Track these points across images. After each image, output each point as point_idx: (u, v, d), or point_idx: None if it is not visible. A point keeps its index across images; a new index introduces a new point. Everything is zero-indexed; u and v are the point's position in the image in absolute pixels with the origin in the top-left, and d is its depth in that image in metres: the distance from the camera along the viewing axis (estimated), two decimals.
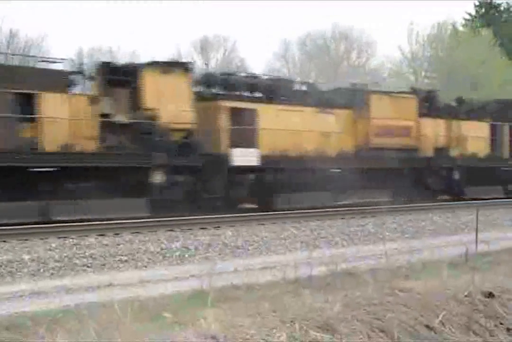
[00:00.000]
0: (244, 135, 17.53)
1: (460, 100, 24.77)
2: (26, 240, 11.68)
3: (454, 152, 23.11)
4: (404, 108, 21.18)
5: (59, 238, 12.01)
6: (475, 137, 23.48)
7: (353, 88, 21.44)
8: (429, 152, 22.27)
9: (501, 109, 24.82)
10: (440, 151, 22.66)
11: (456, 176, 22.52)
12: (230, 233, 13.30)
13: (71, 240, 11.90)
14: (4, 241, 11.45)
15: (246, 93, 18.72)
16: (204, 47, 47.03)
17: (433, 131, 22.44)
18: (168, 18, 59.86)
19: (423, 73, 47.64)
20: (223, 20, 63.01)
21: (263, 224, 14.75)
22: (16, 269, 9.40)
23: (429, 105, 22.77)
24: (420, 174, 21.50)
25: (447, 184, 22.56)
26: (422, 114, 22.03)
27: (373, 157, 20.04)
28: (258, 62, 58.33)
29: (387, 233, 13.34)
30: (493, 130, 24.54)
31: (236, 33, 56.71)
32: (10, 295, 7.75)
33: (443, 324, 6.11)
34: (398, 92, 22.82)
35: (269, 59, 48.98)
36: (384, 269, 8.01)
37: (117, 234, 12.73)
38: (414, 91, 23.17)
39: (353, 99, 20.17)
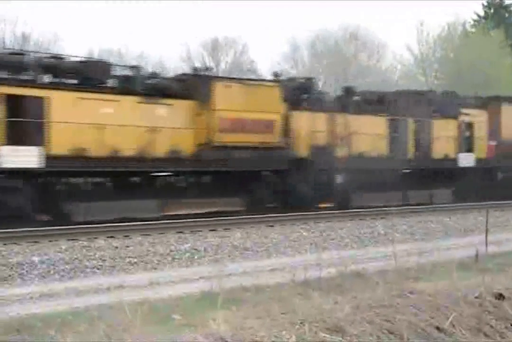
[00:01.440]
0: (26, 130, 14.03)
1: (349, 91, 20.82)
2: (36, 242, 11.74)
3: (339, 152, 19.22)
4: (263, 98, 17.17)
5: (69, 240, 12.06)
6: (368, 134, 19.63)
7: (194, 74, 17.52)
8: (304, 152, 18.46)
9: (404, 101, 21.13)
10: (320, 150, 18.73)
11: (339, 180, 18.81)
12: (239, 235, 13.31)
13: (81, 242, 11.95)
14: (15, 243, 11.51)
15: (37, 78, 14.55)
16: (214, 49, 47.09)
17: (310, 127, 18.56)
18: (177, 19, 59.80)
19: (433, 74, 47.51)
20: (233, 21, 63.03)
21: (272, 226, 14.75)
22: (27, 271, 9.45)
23: (306, 95, 19.06)
24: (289, 178, 17.78)
25: (327, 190, 18.53)
26: (294, 107, 18.33)
27: (218, 158, 16.39)
28: (268, 63, 58.07)
29: (396, 235, 13.30)
30: (393, 126, 20.64)
31: (246, 35, 56.69)
32: (20, 297, 7.79)
33: (453, 325, 6.08)
34: (256, 80, 19.62)
35: (278, 60, 48.89)
36: (394, 270, 7.99)
37: (127, 236, 12.77)
38: (279, 78, 18.72)
39: (195, 87, 16.44)
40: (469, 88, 29.44)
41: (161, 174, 16.36)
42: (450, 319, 6.10)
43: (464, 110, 22.36)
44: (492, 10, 50.57)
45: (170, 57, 57.12)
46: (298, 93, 18.87)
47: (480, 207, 18.24)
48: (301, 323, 5.44)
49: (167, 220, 14.68)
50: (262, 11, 58.60)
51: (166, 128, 15.73)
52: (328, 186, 18.58)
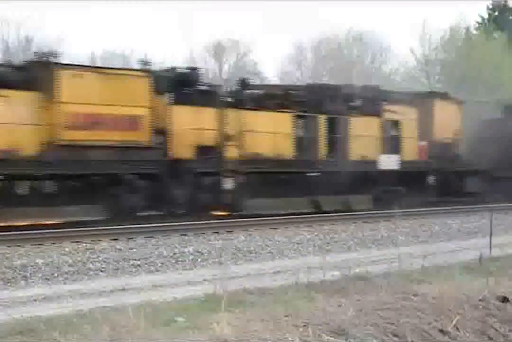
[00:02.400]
0: None
1: (245, 84, 18.25)
2: (40, 244, 11.74)
3: (231, 153, 16.67)
4: (126, 90, 14.80)
5: (73, 242, 12.06)
6: (268, 132, 17.26)
7: (37, 61, 14.66)
8: (186, 153, 15.88)
9: (314, 96, 18.81)
10: (207, 151, 16.26)
11: (229, 184, 16.38)
12: (242, 238, 13.31)
13: (84, 244, 11.94)
14: (19, 246, 11.51)
15: None
16: (218, 51, 47.13)
17: (194, 124, 15.97)
18: (181, 21, 59.84)
19: (436, 77, 47.48)
20: (237, 23, 62.92)
21: (275, 228, 14.74)
22: (30, 274, 9.45)
23: (190, 88, 16.39)
24: (162, 183, 15.36)
25: (214, 195, 16.14)
26: (175, 101, 15.83)
27: (65, 159, 14.01)
28: (272, 66, 57.98)
29: (400, 237, 13.28)
30: (301, 123, 18.28)
31: (250, 37, 56.57)
32: (24, 299, 7.79)
33: (457, 328, 6.07)
34: (117, 69, 16.58)
35: (283, 62, 48.91)
36: (397, 273, 7.98)
37: (131, 238, 12.77)
38: (148, 67, 15.80)
39: (38, 77, 14.03)
40: (472, 92, 29.40)
41: None
42: (454, 322, 6.09)
43: (390, 107, 19.80)
44: (496, 13, 50.53)
45: (174, 60, 57.17)
46: (179, 85, 15.99)
47: (484, 209, 18.19)
48: (304, 325, 5.44)
49: (170, 223, 14.66)
50: (267, 13, 58.70)
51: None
52: (215, 191, 16.09)
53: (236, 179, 16.45)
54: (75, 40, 60.47)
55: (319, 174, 18.21)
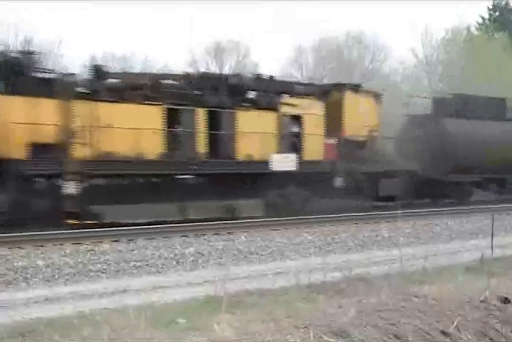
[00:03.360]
0: None
1: (102, 73, 15.11)
2: (41, 246, 11.75)
3: (78, 152, 14.03)
4: None
5: (74, 244, 12.07)
6: (130, 128, 14.50)
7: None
8: (16, 152, 13.45)
9: (191, 87, 16.16)
10: (47, 150, 13.80)
11: (71, 189, 13.83)
12: (243, 238, 13.31)
13: (85, 245, 11.95)
14: (19, 247, 11.53)
15: None
16: (218, 53, 47.19)
17: (25, 118, 13.44)
18: (181, 23, 59.87)
19: (437, 77, 47.50)
20: (236, 24, 63.04)
21: (276, 229, 14.74)
22: (31, 275, 9.46)
23: (22, 76, 13.81)
24: None
25: (53, 201, 13.76)
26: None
27: None
28: (273, 67, 58.13)
29: (401, 238, 13.28)
30: (174, 118, 15.45)
31: (250, 38, 56.67)
32: (25, 301, 7.80)
33: (458, 329, 6.07)
34: None
35: (283, 64, 48.95)
36: (398, 274, 7.98)
37: (131, 240, 12.77)
38: None
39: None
40: (475, 91, 29.16)
41: None
42: (455, 323, 6.09)
43: (290, 101, 17.19)
44: (497, 13, 50.53)
45: (176, 62, 57.25)
46: (9, 72, 13.66)
47: (486, 210, 18.17)
48: (305, 327, 5.43)
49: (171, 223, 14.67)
50: (266, 14, 58.73)
51: None
52: (53, 197, 13.75)
53: (81, 183, 13.90)
54: (74, 41, 60.32)
55: (192, 176, 16.00)
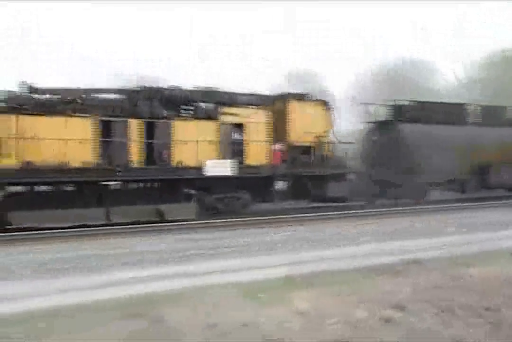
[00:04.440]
0: None
1: (32, 89, 13.97)
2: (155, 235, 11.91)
3: (4, 161, 13.00)
4: None
5: (175, 234, 12.24)
6: (54, 139, 13.33)
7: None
8: None
9: (126, 100, 14.95)
10: None
11: None
12: (302, 228, 13.18)
13: (185, 235, 12.13)
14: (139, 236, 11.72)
15: None
16: (294, 80, 46.60)
17: None
18: (259, 51, 58.92)
19: (476, 96, 45.82)
20: (309, 51, 61.34)
21: (327, 222, 14.27)
22: (147, 258, 9.63)
23: None
24: None
25: None
26: None
27: None
28: (338, 90, 56.29)
29: (449, 229, 12.79)
30: (104, 128, 14.15)
31: (319, 65, 55.23)
32: (139, 278, 7.94)
33: (500, 306, 5.78)
34: None
35: (346, 88, 48.21)
36: (447, 258, 7.69)
37: (219, 230, 12.83)
38: None
39: None
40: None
41: None
42: (498, 301, 5.80)
43: (231, 110, 15.94)
44: None
45: (259, 89, 56.30)
46: None
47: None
48: (368, 301, 5.31)
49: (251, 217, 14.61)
50: (334, 44, 57.25)
51: None
52: None
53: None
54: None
55: (118, 182, 14.53)
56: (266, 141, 16.12)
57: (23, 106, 13.34)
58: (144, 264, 8.69)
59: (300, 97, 17.42)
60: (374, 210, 16.66)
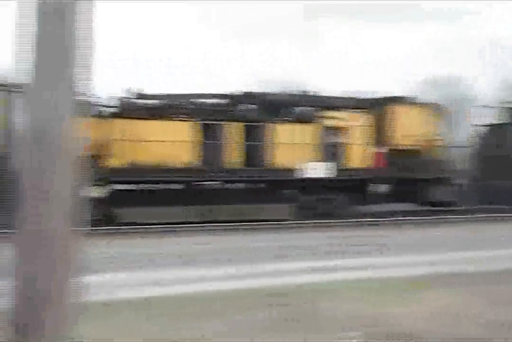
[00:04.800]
0: None
1: (140, 95, 14.72)
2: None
3: (107, 162, 13.69)
4: None
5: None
6: (159, 141, 13.92)
7: None
8: None
9: (224, 104, 15.53)
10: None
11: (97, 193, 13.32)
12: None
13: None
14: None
15: None
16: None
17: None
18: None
19: None
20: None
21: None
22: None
23: None
24: None
25: None
26: None
27: None
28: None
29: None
30: (205, 132, 14.70)
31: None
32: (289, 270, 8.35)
33: None
34: None
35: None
36: None
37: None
38: None
39: None
40: None
41: None
42: None
43: (330, 114, 15.92)
44: None
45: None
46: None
47: None
48: (497, 303, 5.69)
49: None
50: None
51: None
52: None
53: (106, 188, 13.67)
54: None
55: (218, 182, 15.04)
56: (366, 144, 16.07)
57: (132, 111, 14.17)
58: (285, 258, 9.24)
59: (405, 100, 17.22)
60: (487, 215, 16.04)
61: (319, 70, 43.76)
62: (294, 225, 13.92)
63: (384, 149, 16.28)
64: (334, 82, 38.98)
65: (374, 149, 16.16)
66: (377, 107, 16.50)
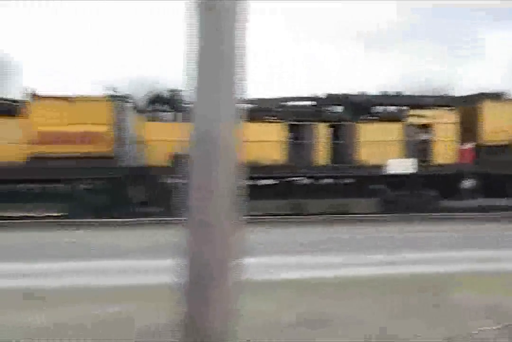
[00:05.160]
0: None
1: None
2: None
3: None
4: (87, 113, 15.04)
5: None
6: (255, 141, 14.76)
7: (11, 100, 15.89)
8: (161, 160, 14.91)
9: (314, 106, 16.58)
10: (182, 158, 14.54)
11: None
12: None
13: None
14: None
15: None
16: None
17: (171, 136, 14.25)
18: None
19: None
20: None
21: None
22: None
23: (166, 107, 15.94)
24: (119, 185, 15.13)
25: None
26: (153, 118, 15.81)
27: (39, 167, 14.72)
28: None
29: None
30: (295, 132, 16.06)
31: None
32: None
33: None
34: (79, 97, 15.64)
35: None
36: None
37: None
38: (110, 94, 15.67)
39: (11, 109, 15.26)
40: None
41: None
42: None
43: (416, 112, 16.49)
44: None
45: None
46: (154, 105, 16.04)
47: None
48: None
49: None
50: None
51: None
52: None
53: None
54: None
55: (309, 178, 16.04)
56: (452, 141, 16.46)
57: None
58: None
59: (496, 97, 17.22)
60: None
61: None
62: (381, 218, 14.52)
63: (471, 146, 16.53)
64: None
65: (461, 146, 16.51)
66: (466, 105, 16.76)
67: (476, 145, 16.52)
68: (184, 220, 3.00)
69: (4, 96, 16.17)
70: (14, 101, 15.72)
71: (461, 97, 17.18)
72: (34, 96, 15.39)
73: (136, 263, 8.29)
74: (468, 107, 16.68)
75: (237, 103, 2.99)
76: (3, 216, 14.32)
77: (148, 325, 4.33)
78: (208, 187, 3.01)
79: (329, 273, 7.27)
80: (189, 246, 3.03)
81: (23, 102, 15.34)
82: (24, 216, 14.42)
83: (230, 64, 2.83)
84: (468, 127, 16.52)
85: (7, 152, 14.85)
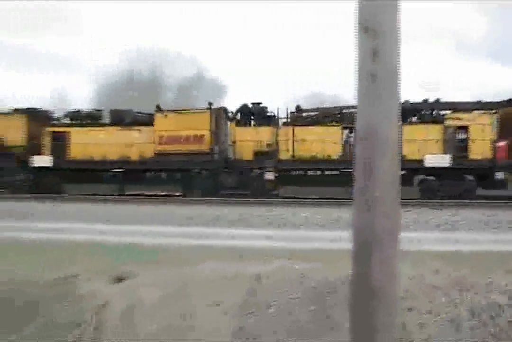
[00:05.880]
0: None
1: (299, 109, 20.95)
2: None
3: (282, 156, 19.95)
4: (194, 121, 20.09)
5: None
6: (317, 141, 19.55)
7: (146, 114, 21.57)
8: (247, 156, 20.06)
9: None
10: (264, 155, 20.07)
11: (270, 176, 19.88)
12: None
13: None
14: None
15: None
16: None
17: (254, 138, 20.09)
18: None
19: None
20: None
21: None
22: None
23: (253, 116, 20.58)
24: (216, 173, 20.04)
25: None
26: (242, 124, 20.41)
27: (160, 160, 20.21)
28: None
29: None
30: (349, 133, 19.60)
31: None
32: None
33: None
34: (187, 109, 21.19)
35: None
36: None
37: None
38: (209, 107, 20.52)
39: (146, 120, 20.92)
40: None
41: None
42: None
43: (455, 115, 19.39)
44: None
45: None
46: (243, 115, 20.54)
47: None
48: None
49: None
50: None
51: (137, 143, 20.70)
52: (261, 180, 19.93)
53: (276, 172, 19.77)
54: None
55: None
56: (487, 139, 19.05)
57: (297, 120, 20.29)
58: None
59: None
60: None
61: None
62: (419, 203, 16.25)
63: (505, 143, 19.01)
64: None
65: (497, 143, 19.04)
66: (504, 108, 19.35)
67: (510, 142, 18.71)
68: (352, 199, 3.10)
69: (143, 111, 21.85)
70: (149, 114, 21.20)
71: (498, 102, 19.49)
72: (158, 110, 20.93)
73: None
74: (505, 110, 19.12)
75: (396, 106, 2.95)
76: (140, 194, 19.45)
77: (332, 279, 5.46)
78: (371, 170, 2.75)
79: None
80: (355, 219, 2.73)
81: (152, 115, 20.91)
82: (153, 194, 19.44)
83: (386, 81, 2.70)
84: (504, 128, 18.85)
85: (144, 150, 20.72)
